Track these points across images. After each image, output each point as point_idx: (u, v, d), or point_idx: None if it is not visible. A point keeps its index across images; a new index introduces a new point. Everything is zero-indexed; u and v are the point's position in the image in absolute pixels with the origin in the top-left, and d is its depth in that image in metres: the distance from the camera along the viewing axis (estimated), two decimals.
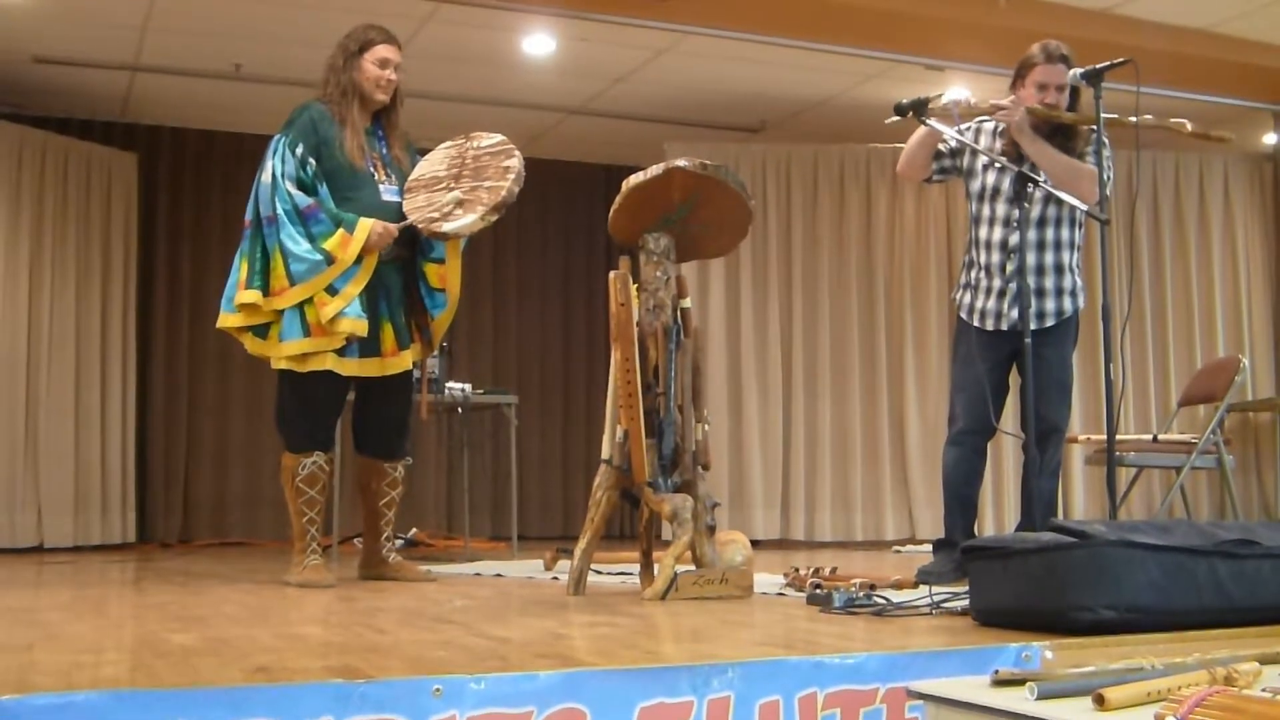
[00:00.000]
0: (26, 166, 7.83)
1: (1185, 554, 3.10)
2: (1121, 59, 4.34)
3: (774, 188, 8.71)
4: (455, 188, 4.88)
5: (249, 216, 4.87)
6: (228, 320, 4.88)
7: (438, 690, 2.27)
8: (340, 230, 4.77)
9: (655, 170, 4.27)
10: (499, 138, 4.99)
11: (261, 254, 4.79)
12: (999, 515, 8.38)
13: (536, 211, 9.59)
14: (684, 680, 2.45)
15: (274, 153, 4.86)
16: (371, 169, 4.99)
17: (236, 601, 4.18)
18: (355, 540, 6.56)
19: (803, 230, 8.70)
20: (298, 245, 4.73)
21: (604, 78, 8.08)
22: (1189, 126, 4.52)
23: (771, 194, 8.69)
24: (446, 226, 4.80)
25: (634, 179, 4.30)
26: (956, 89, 7.52)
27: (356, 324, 4.78)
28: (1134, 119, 4.43)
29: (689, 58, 7.65)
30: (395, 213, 4.94)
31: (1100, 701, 2.07)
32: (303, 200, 4.78)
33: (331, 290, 4.75)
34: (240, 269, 4.83)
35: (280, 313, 4.78)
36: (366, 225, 4.80)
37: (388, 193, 4.99)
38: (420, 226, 4.87)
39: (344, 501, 6.56)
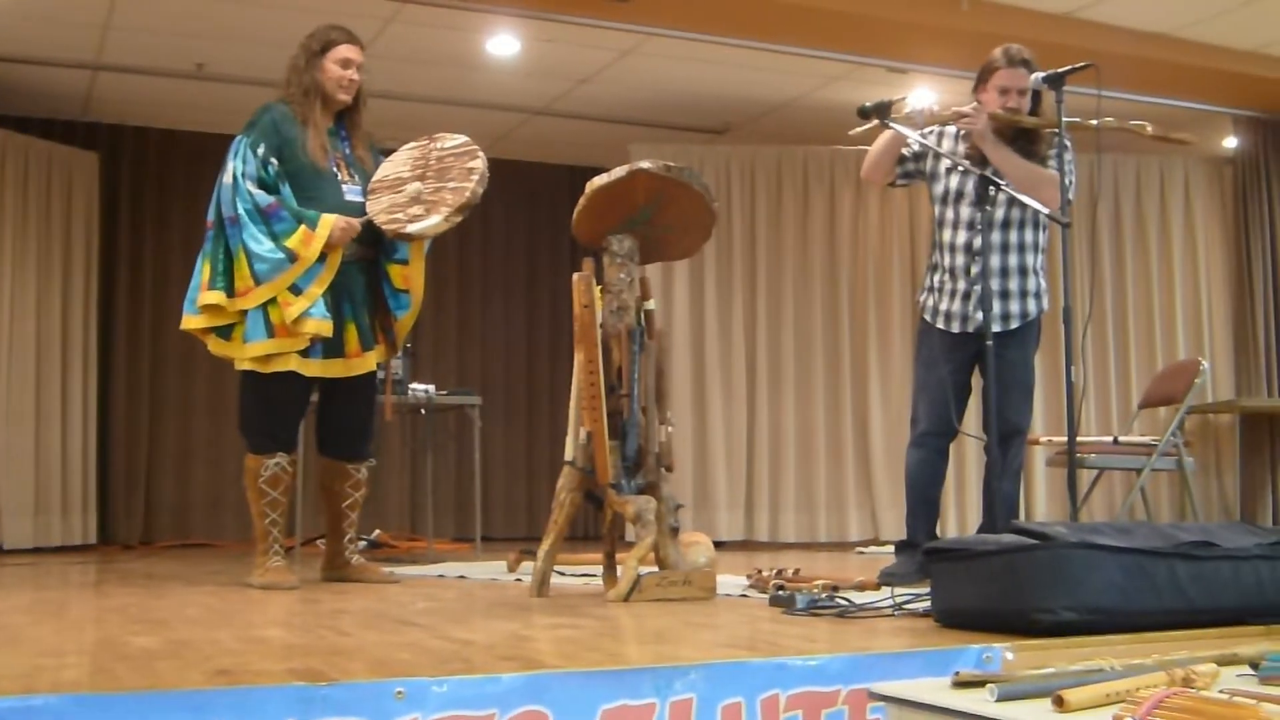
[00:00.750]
0: None
1: (1145, 555, 3.12)
2: (1083, 63, 4.37)
3: (738, 189, 8.73)
4: (419, 189, 4.87)
5: (211, 217, 4.86)
6: (191, 322, 4.86)
7: (400, 693, 2.27)
8: (302, 227, 4.76)
9: (619, 172, 4.28)
10: (462, 139, 4.99)
11: (224, 254, 4.78)
12: (961, 517, 8.42)
13: (501, 213, 9.58)
14: (647, 682, 2.46)
15: (235, 153, 4.85)
16: (334, 169, 4.99)
17: (198, 603, 4.17)
18: (318, 541, 6.54)
19: (767, 232, 8.72)
20: (260, 244, 4.72)
21: (568, 79, 8.08)
22: (1150, 128, 4.56)
23: (736, 195, 8.70)
24: (411, 228, 4.80)
25: (597, 180, 4.31)
26: (920, 93, 7.59)
27: (321, 325, 4.77)
28: (1095, 122, 4.46)
29: (653, 59, 7.66)
30: (359, 212, 4.94)
31: (1060, 703, 2.09)
32: (264, 199, 4.77)
33: (295, 290, 4.74)
34: (203, 270, 4.82)
35: (244, 313, 4.77)
36: (329, 221, 4.79)
37: (351, 192, 4.99)
38: (385, 228, 4.86)
39: (307, 503, 6.54)
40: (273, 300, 4.74)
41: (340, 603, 4.17)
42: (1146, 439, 7.04)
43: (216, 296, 4.74)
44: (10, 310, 7.79)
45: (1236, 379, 8.80)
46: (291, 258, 4.73)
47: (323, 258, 4.79)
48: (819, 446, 8.58)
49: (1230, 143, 8.94)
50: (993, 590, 3.12)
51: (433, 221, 4.77)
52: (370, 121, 5.20)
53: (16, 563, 6.75)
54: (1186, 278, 8.96)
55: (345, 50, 5.03)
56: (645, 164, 4.28)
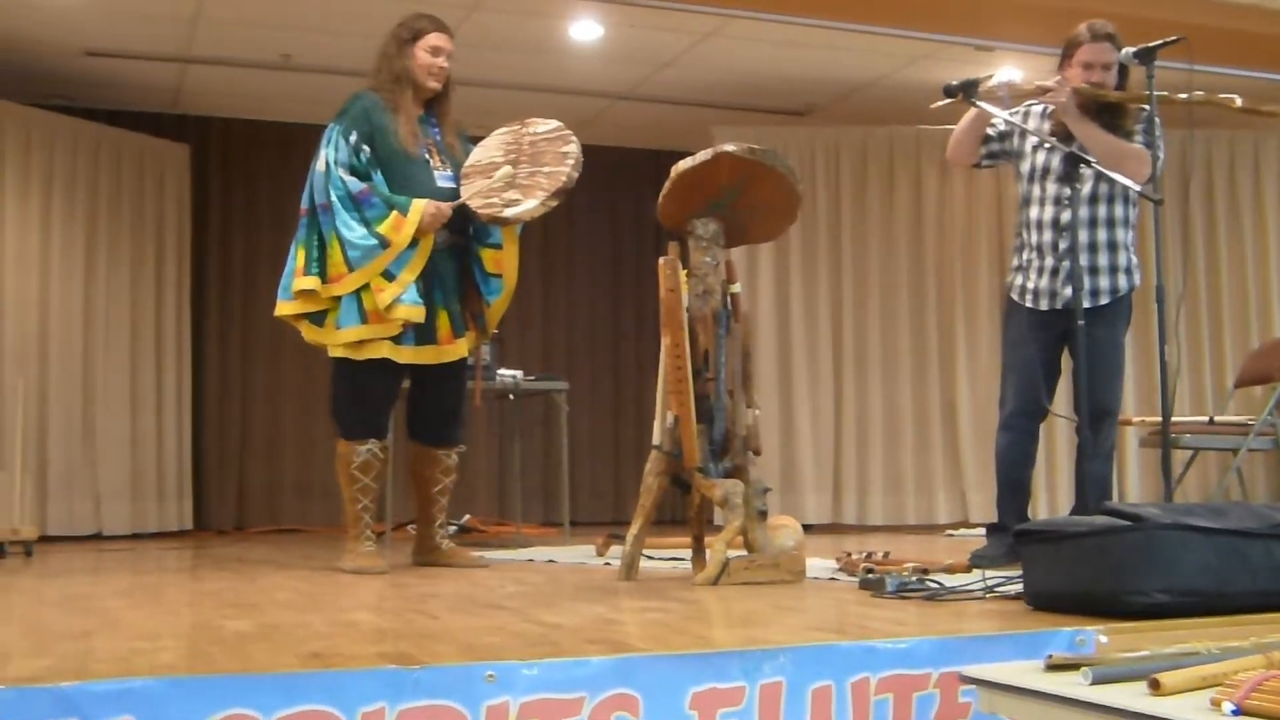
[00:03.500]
0: (81, 159, 7.91)
1: (1239, 537, 3.07)
2: (1174, 37, 4.29)
3: (822, 171, 8.68)
4: (514, 173, 4.89)
5: (305, 205, 4.92)
6: (285, 308, 4.92)
7: (490, 676, 2.28)
8: (394, 213, 4.81)
9: (703, 155, 4.26)
10: (555, 124, 5.01)
11: (318, 241, 4.84)
12: (1052, 499, 8.32)
13: (585, 197, 9.48)
14: (735, 665, 2.46)
15: (328, 141, 4.91)
16: (426, 155, 5.03)
17: (291, 588, 4.22)
18: (409, 527, 6.60)
19: (851, 214, 8.66)
20: (352, 231, 4.77)
21: (651, 63, 8.06)
22: (1239, 101, 4.47)
23: (820, 178, 8.65)
24: (508, 212, 4.83)
25: (682, 164, 4.30)
26: (1006, 71, 7.49)
27: (413, 311, 4.81)
28: (1183, 96, 4.38)
29: (735, 42, 7.62)
30: (451, 197, 4.98)
31: (1155, 686, 2.06)
32: (355, 185, 4.82)
33: (388, 276, 4.78)
34: (297, 256, 4.88)
35: (338, 300, 4.82)
36: (419, 205, 4.83)
37: (442, 179, 5.02)
38: (480, 213, 4.89)
39: (397, 488, 6.59)
40: (365, 286, 4.79)
41: (430, 587, 4.20)
42: (1242, 418, 6.92)
43: (312, 282, 4.79)
44: (106, 299, 7.94)
45: None
46: (384, 243, 4.77)
47: (414, 243, 4.83)
48: (906, 428, 8.52)
49: None
50: (1084, 572, 3.08)
51: (529, 206, 4.79)
52: (456, 109, 5.23)
53: (115, 548, 6.88)
54: None
55: (435, 38, 5.06)
56: (729, 146, 4.27)
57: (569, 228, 9.78)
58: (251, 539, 7.88)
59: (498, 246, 5.15)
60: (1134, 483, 8.44)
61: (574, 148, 4.85)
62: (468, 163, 5.07)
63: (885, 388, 8.53)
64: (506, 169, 4.90)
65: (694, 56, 7.90)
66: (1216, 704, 1.93)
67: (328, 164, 4.84)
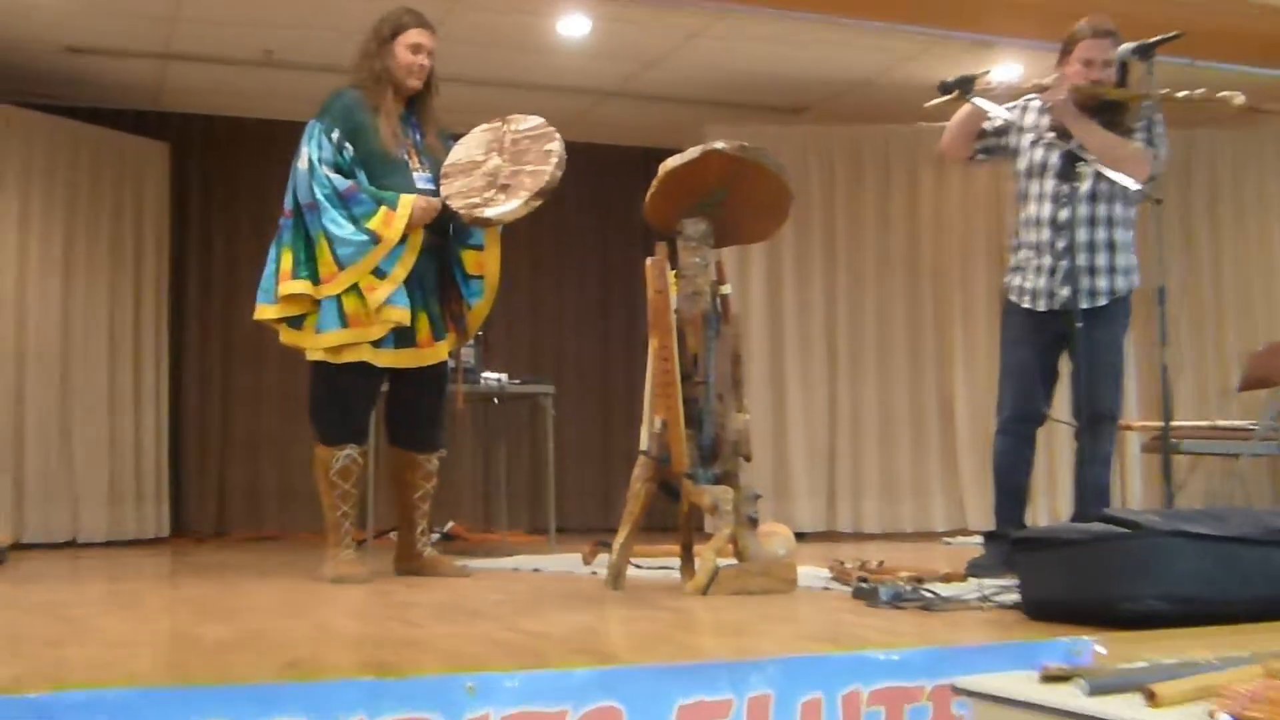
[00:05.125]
0: (60, 157, 7.89)
1: (1238, 543, 3.08)
2: (1173, 33, 4.30)
3: (816, 170, 8.68)
4: (497, 166, 4.88)
5: (288, 206, 4.90)
6: (266, 312, 4.91)
7: (471, 687, 2.28)
8: (383, 208, 4.80)
9: (692, 153, 4.26)
10: (538, 120, 4.99)
11: (305, 242, 4.82)
12: (1052, 505, 8.31)
13: (574, 196, 9.51)
14: (723, 677, 2.45)
15: (309, 139, 4.89)
16: (405, 156, 5.01)
17: (270, 595, 4.22)
18: (390, 534, 6.59)
19: (846, 213, 8.66)
20: (341, 228, 4.76)
21: (640, 60, 8.06)
22: (1239, 99, 4.48)
23: (814, 177, 8.65)
24: (489, 212, 4.81)
25: (670, 162, 4.29)
26: (1005, 67, 7.50)
27: (403, 313, 4.82)
28: (1182, 93, 4.39)
29: (727, 38, 7.62)
30: None
31: (1151, 697, 2.06)
32: (341, 183, 4.81)
33: (379, 273, 4.78)
34: (283, 259, 4.85)
35: (317, 302, 4.80)
36: (409, 200, 4.83)
37: (421, 180, 5.00)
38: (461, 213, 4.87)
39: (379, 494, 6.58)
40: (351, 288, 4.77)
41: (412, 595, 4.20)
42: (1245, 423, 6.91)
43: (302, 285, 4.78)
44: (84, 299, 7.91)
45: None
46: (374, 239, 4.77)
47: (404, 239, 4.82)
48: (902, 434, 8.51)
49: None
50: (1081, 580, 3.09)
51: (512, 206, 4.77)
52: (440, 107, 5.22)
53: (91, 556, 6.86)
54: None
55: (416, 35, 5.05)
56: (719, 144, 4.27)
57: (557, 227, 9.75)
58: (232, 545, 7.87)
59: (479, 247, 5.14)
60: (1136, 489, 8.44)
61: (558, 145, 4.84)
62: (448, 161, 5.05)
63: (880, 391, 8.53)
64: (494, 162, 4.89)
65: (684, 53, 7.90)
66: (1213, 715, 1.93)
67: (311, 162, 4.83)
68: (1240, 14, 7.30)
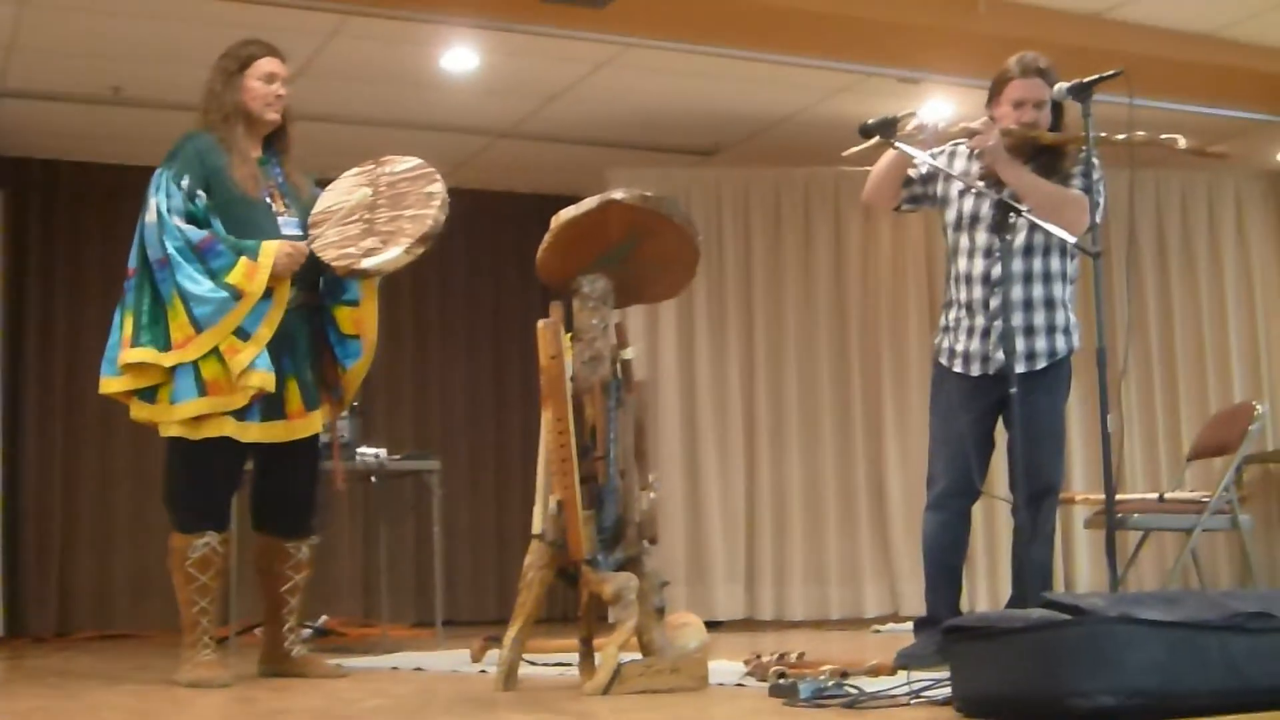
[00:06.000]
0: None
1: (1193, 629, 3.10)
2: (1112, 71, 4.39)
3: (731, 217, 8.74)
4: (372, 219, 4.87)
5: (133, 264, 4.84)
6: (111, 385, 4.84)
7: None
8: (243, 259, 4.75)
9: (589, 204, 4.28)
10: (415, 161, 5.00)
11: (152, 302, 4.75)
12: (993, 588, 8.38)
13: (463, 248, 9.57)
14: None
15: (157, 188, 4.85)
16: (268, 199, 4.99)
17: (117, 705, 4.16)
18: (255, 631, 6.51)
19: (765, 266, 8.73)
20: (198, 285, 4.70)
21: (536, 96, 8.10)
22: (1182, 142, 4.58)
23: (728, 225, 8.72)
24: (367, 263, 4.79)
25: (564, 214, 4.31)
26: (933, 106, 7.62)
27: (267, 378, 4.75)
28: (1121, 136, 4.48)
29: (632, 73, 7.69)
30: None
31: None
32: (195, 234, 4.76)
33: (242, 334, 4.72)
34: (124, 324, 4.80)
35: (171, 371, 4.74)
36: (272, 248, 4.79)
37: (288, 225, 4.98)
38: (334, 264, 4.85)
39: (242, 585, 6.51)
40: (210, 353, 4.72)
41: (279, 701, 4.16)
42: (1197, 495, 6.99)
43: (144, 354, 4.71)
44: None
45: None
46: (236, 295, 4.71)
47: (269, 293, 4.78)
48: (829, 510, 8.55)
49: None
50: (1020, 674, 3.11)
51: (392, 254, 4.76)
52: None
53: None
54: (1241, 310, 8.99)
55: (267, 63, 5.04)
56: (619, 194, 4.29)
57: (443, 284, 9.75)
58: (75, 647, 7.73)
59: (354, 303, 5.11)
60: (1083, 568, 8.55)
61: (439, 187, 4.85)
62: (317, 209, 5.03)
63: (805, 463, 8.57)
64: (364, 191, 4.88)
65: (586, 89, 7.95)
66: None
67: (160, 213, 4.78)
68: (1184, 48, 7.49)
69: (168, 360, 4.72)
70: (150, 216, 4.81)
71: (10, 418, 8.58)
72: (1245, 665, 3.13)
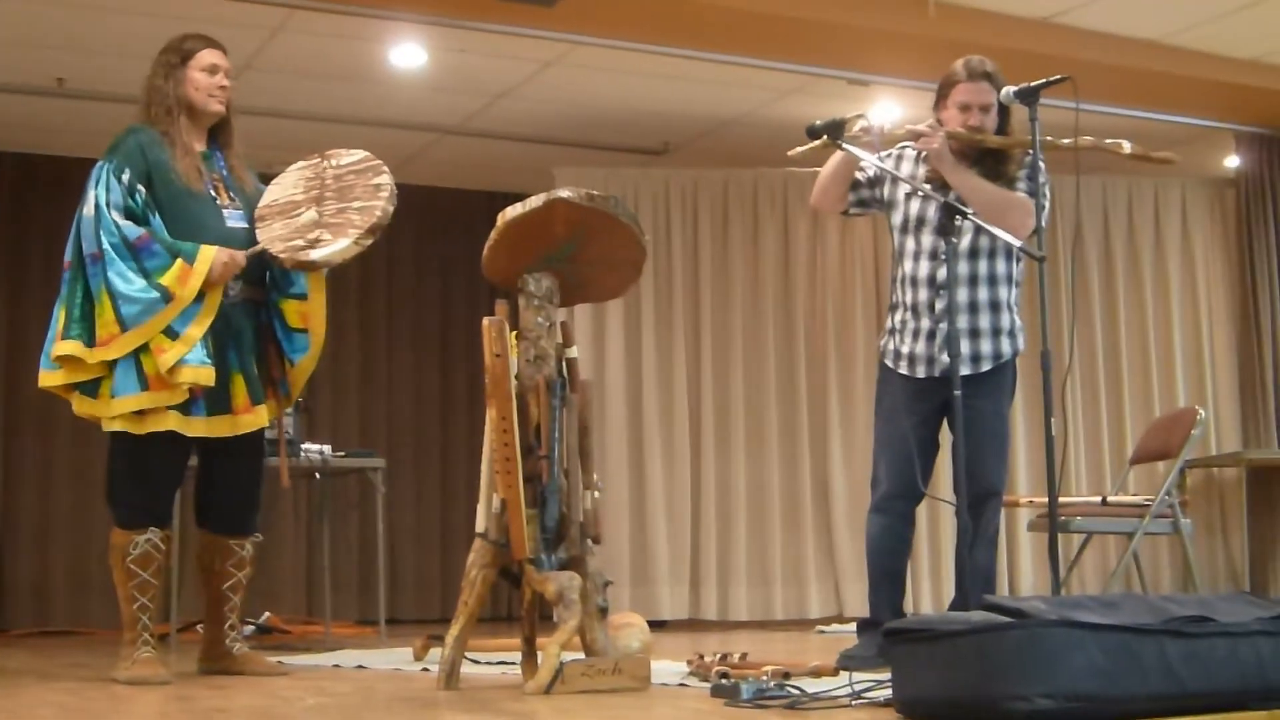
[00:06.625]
0: None
1: (1131, 633, 3.12)
2: (1059, 76, 4.43)
3: (679, 217, 8.75)
4: (319, 211, 4.86)
5: (69, 257, 4.80)
6: (49, 379, 4.80)
7: None
8: (179, 262, 4.71)
9: (535, 202, 4.28)
10: (362, 154, 5.00)
11: (83, 297, 4.71)
12: (936, 590, 8.43)
13: (409, 246, 9.55)
14: None
15: (96, 181, 4.80)
16: (212, 192, 4.96)
17: (53, 703, 4.12)
18: (196, 627, 6.48)
19: (712, 266, 8.74)
20: (129, 284, 4.66)
21: (484, 93, 8.09)
22: (1127, 147, 4.63)
23: (676, 225, 8.72)
24: (315, 254, 4.77)
25: (510, 212, 4.31)
26: (882, 107, 7.66)
27: (199, 372, 4.69)
28: (1066, 141, 4.52)
29: (581, 71, 7.69)
30: (245, 240, 4.91)
31: None
32: (133, 231, 4.72)
33: (171, 334, 4.68)
34: (59, 317, 4.76)
35: (112, 365, 4.70)
36: (209, 254, 4.74)
37: (233, 218, 4.96)
38: (282, 257, 4.83)
39: (184, 583, 6.48)
40: (144, 347, 4.68)
41: (219, 699, 4.13)
42: (1139, 499, 7.04)
43: (72, 346, 4.67)
44: None
45: (1243, 429, 8.88)
46: (166, 297, 4.67)
47: (201, 295, 4.75)
48: (774, 511, 8.57)
49: (1232, 162, 9.06)
50: (960, 676, 3.12)
51: (340, 246, 4.75)
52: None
53: None
54: (1186, 315, 9.05)
55: (209, 55, 5.02)
56: (565, 193, 4.29)
57: (390, 280, 9.72)
58: (12, 644, 7.66)
59: (302, 297, 5.08)
60: (1026, 572, 8.60)
61: (387, 179, 4.85)
62: (263, 201, 5.01)
63: (750, 464, 8.58)
64: (310, 214, 4.87)
65: (534, 87, 7.95)
66: None
67: (98, 206, 4.74)
68: (1136, 54, 7.55)
69: (92, 357, 4.68)
70: (88, 210, 4.76)
71: None
72: (1182, 669, 3.16)
